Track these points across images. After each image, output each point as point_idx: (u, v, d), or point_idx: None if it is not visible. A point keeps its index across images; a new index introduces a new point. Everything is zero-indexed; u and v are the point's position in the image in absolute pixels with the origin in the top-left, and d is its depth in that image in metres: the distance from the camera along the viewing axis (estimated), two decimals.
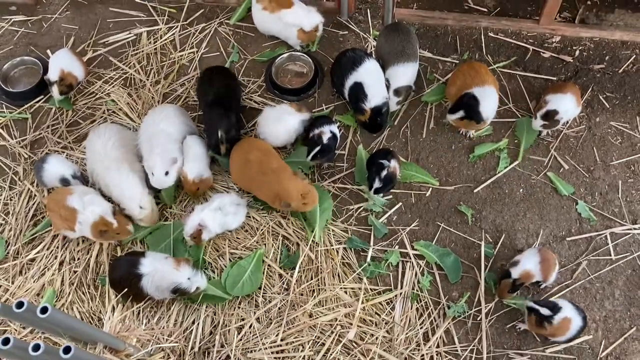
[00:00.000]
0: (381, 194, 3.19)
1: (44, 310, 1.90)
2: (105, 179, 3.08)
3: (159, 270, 2.81)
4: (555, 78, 3.55)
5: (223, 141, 3.16)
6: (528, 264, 2.81)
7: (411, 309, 2.94)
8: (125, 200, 3.05)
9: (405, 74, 3.37)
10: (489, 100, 3.16)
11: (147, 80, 3.71)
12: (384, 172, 3.03)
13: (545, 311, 2.67)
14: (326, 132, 3.17)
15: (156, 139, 3.13)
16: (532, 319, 2.74)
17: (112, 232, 2.97)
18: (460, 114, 3.20)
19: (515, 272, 2.81)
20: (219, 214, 3.02)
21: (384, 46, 3.46)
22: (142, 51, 3.84)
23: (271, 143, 3.26)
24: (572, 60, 3.59)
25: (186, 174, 3.12)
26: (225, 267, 3.04)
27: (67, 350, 1.84)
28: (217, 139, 3.15)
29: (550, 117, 3.18)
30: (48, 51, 3.85)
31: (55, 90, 3.51)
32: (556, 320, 2.65)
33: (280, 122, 3.25)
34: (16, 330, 2.92)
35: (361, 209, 3.23)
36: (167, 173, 3.08)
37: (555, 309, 2.67)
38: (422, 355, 2.82)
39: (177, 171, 3.14)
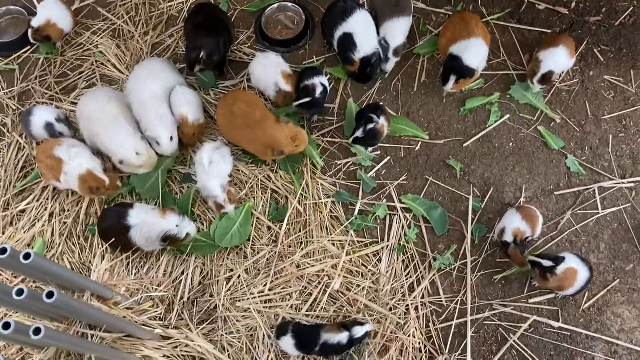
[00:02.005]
0: (369, 149, 3.18)
1: (27, 256, 1.92)
2: (100, 136, 3.05)
3: (146, 222, 2.84)
4: (549, 31, 3.47)
5: (202, 61, 3.20)
6: (513, 223, 2.81)
7: (397, 260, 2.97)
8: (120, 150, 3.02)
9: (399, 29, 3.29)
10: (472, 51, 3.10)
11: (136, 31, 3.65)
12: (370, 126, 3.02)
13: (547, 263, 2.68)
14: (317, 84, 3.13)
15: (149, 105, 3.09)
16: (537, 273, 2.75)
17: (103, 189, 2.97)
18: (453, 78, 3.15)
19: (509, 236, 2.80)
20: (215, 166, 3.01)
21: None
22: (131, 2, 3.75)
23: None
24: (567, 13, 3.50)
25: (186, 116, 3.10)
26: (215, 219, 3.06)
27: (50, 295, 1.87)
28: (196, 56, 3.18)
29: (547, 79, 3.16)
30: (34, 0, 3.77)
31: (29, 34, 3.50)
32: (560, 271, 2.65)
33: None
34: (7, 279, 2.96)
35: (350, 163, 3.22)
36: (171, 138, 3.09)
37: (557, 260, 2.68)
38: (407, 305, 2.86)
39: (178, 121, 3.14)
